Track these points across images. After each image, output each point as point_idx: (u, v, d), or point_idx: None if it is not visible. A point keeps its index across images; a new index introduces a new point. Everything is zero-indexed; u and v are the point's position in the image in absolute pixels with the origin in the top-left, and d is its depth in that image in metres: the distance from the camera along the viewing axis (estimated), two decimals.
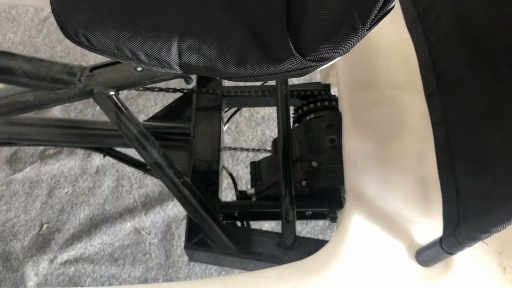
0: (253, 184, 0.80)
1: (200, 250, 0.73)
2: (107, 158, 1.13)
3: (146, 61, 0.48)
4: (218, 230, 0.72)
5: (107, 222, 1.06)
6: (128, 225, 1.07)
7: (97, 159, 1.12)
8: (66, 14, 0.49)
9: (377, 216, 0.64)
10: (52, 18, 1.32)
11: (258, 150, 1.09)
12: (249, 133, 1.20)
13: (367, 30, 0.42)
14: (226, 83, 0.86)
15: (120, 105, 0.67)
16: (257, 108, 1.22)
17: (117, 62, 0.66)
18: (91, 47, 0.49)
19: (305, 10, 0.46)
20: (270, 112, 1.24)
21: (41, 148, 1.13)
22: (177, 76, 0.66)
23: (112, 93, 0.67)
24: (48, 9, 1.32)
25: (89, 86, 0.66)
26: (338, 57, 0.44)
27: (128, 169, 1.12)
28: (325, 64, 0.45)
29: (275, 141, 0.83)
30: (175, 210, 1.09)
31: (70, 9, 0.49)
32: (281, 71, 0.46)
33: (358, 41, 0.43)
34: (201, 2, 0.49)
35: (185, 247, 0.73)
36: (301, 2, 0.46)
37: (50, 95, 0.69)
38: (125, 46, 0.48)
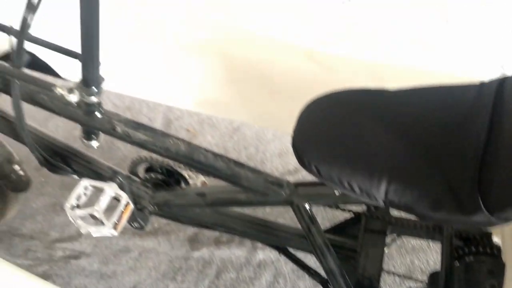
0: None
1: None
2: (268, 254, 1.30)
3: (358, 193, 0.64)
4: None
5: None
6: None
7: (261, 254, 1.29)
8: (304, 149, 0.68)
9: None
10: (242, 128, 1.61)
11: (410, 277, 1.16)
12: (398, 259, 1.28)
13: None
14: (395, 212, 0.99)
15: (312, 217, 0.84)
16: (409, 237, 1.30)
17: (320, 184, 0.84)
18: (319, 176, 0.66)
19: (497, 174, 0.57)
20: (420, 244, 1.31)
21: (217, 234, 1.34)
22: (366, 203, 0.81)
23: (308, 207, 0.83)
24: (239, 121, 1.61)
25: (291, 197, 0.84)
26: None
27: (286, 269, 1.26)
28: (509, 222, 0.56)
29: (432, 275, 0.91)
30: None
31: (308, 147, 0.68)
32: (468, 222, 0.58)
33: None
34: (406, 151, 0.64)
35: None
36: (494, 167, 0.58)
37: (258, 198, 0.88)
38: (345, 179, 0.64)
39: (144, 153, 0.94)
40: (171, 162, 0.97)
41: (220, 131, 1.60)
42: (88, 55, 0.73)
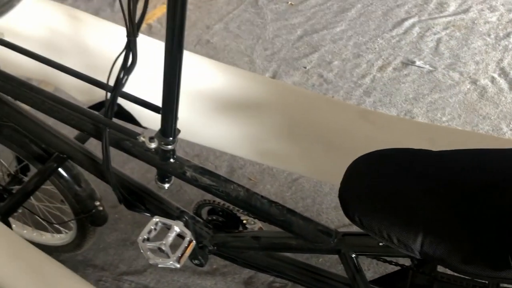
0: None
1: None
2: None
3: (396, 244, 0.70)
4: None
5: None
6: None
7: None
8: (349, 200, 0.76)
9: None
10: (300, 180, 1.69)
11: None
12: None
13: None
14: (441, 268, 1.01)
15: (357, 266, 0.89)
16: None
17: (366, 235, 0.90)
18: (361, 226, 0.73)
19: None
20: None
21: (271, 279, 1.41)
22: (408, 256, 0.86)
23: (354, 255, 0.90)
24: (298, 173, 1.69)
25: (339, 246, 0.91)
26: None
27: None
28: None
29: None
30: None
31: (353, 198, 0.76)
32: (497, 277, 0.62)
33: None
34: (443, 208, 0.70)
35: None
36: None
37: (307, 245, 0.95)
38: (384, 230, 0.71)
39: (208, 197, 1.05)
40: (231, 207, 1.08)
41: (280, 181, 1.70)
42: (168, 110, 0.86)
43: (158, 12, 2.74)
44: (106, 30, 1.20)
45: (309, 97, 1.23)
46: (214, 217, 1.10)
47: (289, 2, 2.77)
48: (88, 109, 0.98)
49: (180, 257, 0.92)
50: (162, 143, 0.91)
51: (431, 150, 0.80)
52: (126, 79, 0.87)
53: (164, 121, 0.89)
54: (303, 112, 1.19)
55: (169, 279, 1.44)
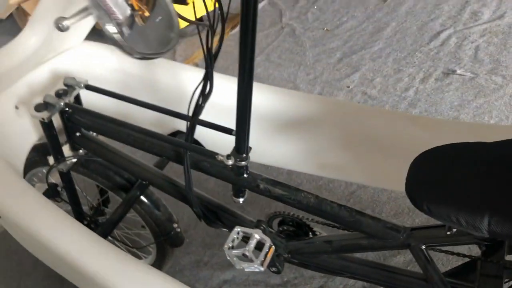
0: None
1: None
2: None
3: (464, 226, 0.77)
4: None
5: None
6: None
7: None
8: (416, 191, 0.84)
9: None
10: (358, 192, 1.76)
11: None
12: None
13: None
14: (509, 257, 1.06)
15: (428, 257, 0.96)
16: None
17: (433, 226, 0.97)
18: (429, 213, 0.81)
19: None
20: None
21: (341, 287, 1.47)
22: (473, 241, 0.92)
23: (423, 247, 0.96)
24: (355, 185, 1.77)
25: (408, 240, 0.97)
26: None
27: None
28: None
29: None
30: None
31: (419, 190, 0.84)
32: None
33: None
34: (505, 188, 0.76)
35: None
36: None
37: (378, 243, 1.02)
38: (452, 214, 0.78)
39: (278, 209, 1.15)
40: (300, 216, 1.17)
41: (337, 195, 1.77)
42: (242, 130, 0.98)
43: (199, 55, 2.94)
44: (173, 69, 1.35)
45: (361, 109, 1.32)
46: (285, 227, 1.19)
47: (325, 29, 2.90)
48: (170, 137, 1.11)
49: (263, 261, 1.01)
50: (238, 160, 1.02)
51: (486, 142, 0.87)
52: (203, 107, 0.99)
53: (238, 140, 1.00)
54: (356, 124, 1.28)
55: None
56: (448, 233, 0.93)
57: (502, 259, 1.06)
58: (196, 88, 0.94)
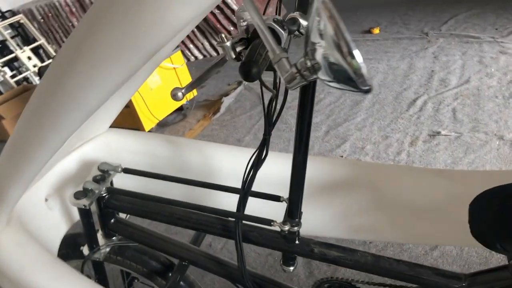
0: None
1: None
2: None
3: None
4: None
5: None
6: None
7: None
8: (486, 234, 0.87)
9: None
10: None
11: None
12: None
13: None
14: None
15: None
16: None
17: (494, 269, 0.98)
18: (505, 251, 0.84)
19: None
20: None
21: None
22: None
23: None
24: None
25: (471, 286, 0.99)
26: None
27: None
28: None
29: None
30: None
31: (489, 231, 0.87)
32: None
33: None
34: None
35: None
36: None
37: None
38: None
39: (320, 276, 1.14)
40: (349, 279, 1.16)
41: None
42: (295, 196, 1.00)
43: (198, 129, 2.99)
44: (199, 147, 1.37)
45: (385, 168, 1.38)
46: None
47: None
48: (221, 209, 1.11)
49: None
50: (293, 225, 1.02)
51: None
52: (255, 175, 1.01)
53: (291, 205, 1.02)
54: (384, 183, 1.33)
55: None
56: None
57: None
58: (253, 155, 0.97)
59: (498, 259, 1.65)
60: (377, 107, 2.79)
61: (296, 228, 1.03)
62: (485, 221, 0.89)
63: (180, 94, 0.65)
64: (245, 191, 1.03)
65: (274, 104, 0.90)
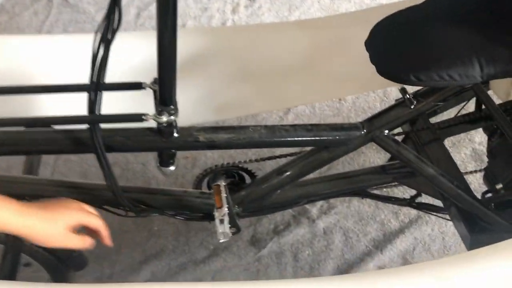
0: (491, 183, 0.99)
1: (483, 234, 0.92)
2: (326, 220, 1.37)
3: (459, 79, 0.74)
4: (492, 215, 0.92)
5: (352, 268, 1.26)
6: (371, 266, 1.26)
7: (320, 222, 1.36)
8: (397, 68, 0.77)
9: None
10: None
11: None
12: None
13: None
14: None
15: (396, 140, 0.93)
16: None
17: (391, 108, 0.93)
18: (420, 82, 0.75)
19: None
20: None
21: (272, 226, 1.37)
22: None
23: (386, 132, 0.92)
24: None
25: (370, 133, 0.91)
26: None
27: (349, 224, 1.35)
28: None
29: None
30: (403, 244, 1.30)
31: (399, 64, 0.77)
32: None
33: None
34: (474, 31, 0.75)
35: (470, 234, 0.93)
36: None
37: (340, 149, 0.94)
38: (444, 73, 0.74)
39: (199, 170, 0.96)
40: (230, 163, 1.01)
41: None
42: (168, 76, 0.76)
43: None
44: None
45: (247, 30, 1.20)
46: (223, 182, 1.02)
47: None
48: (60, 116, 0.81)
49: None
50: (171, 113, 0.80)
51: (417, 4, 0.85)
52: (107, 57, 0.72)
53: (164, 88, 0.78)
54: (248, 49, 1.16)
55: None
56: (412, 107, 0.91)
57: (429, 123, 1.10)
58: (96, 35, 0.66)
59: (348, 107, 1.68)
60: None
61: (173, 117, 0.81)
62: (389, 54, 0.79)
63: None
64: (96, 83, 0.74)
65: None
